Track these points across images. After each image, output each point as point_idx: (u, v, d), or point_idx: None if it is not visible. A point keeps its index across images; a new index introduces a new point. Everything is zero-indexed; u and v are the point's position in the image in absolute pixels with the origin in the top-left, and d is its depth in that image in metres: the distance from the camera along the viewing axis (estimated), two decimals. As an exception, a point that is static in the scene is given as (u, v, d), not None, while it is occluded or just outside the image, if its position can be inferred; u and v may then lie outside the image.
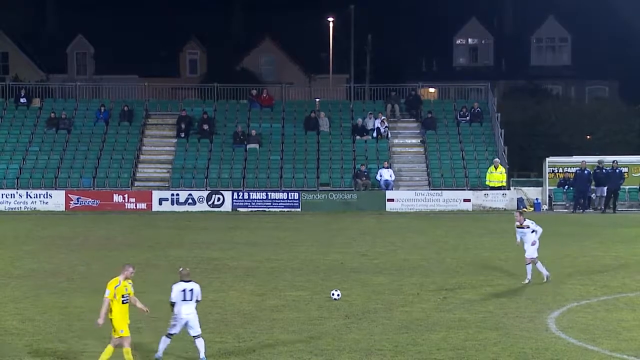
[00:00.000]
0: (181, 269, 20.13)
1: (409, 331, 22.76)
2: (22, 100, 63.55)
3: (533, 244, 29.48)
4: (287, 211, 54.54)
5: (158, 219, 50.69)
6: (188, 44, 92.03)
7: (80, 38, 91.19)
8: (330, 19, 78.58)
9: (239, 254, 36.32)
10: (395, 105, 63.23)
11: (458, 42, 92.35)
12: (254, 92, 64.83)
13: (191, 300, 19.72)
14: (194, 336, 19.84)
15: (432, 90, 75.77)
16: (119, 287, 19.19)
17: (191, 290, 19.72)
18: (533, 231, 29.44)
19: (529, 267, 29.51)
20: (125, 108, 62.13)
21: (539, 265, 29.61)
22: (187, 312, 19.70)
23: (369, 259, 35.01)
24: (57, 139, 60.46)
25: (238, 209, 54.95)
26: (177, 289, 19.74)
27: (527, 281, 29.34)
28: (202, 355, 19.76)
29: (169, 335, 19.93)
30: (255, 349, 20.96)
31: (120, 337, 19.18)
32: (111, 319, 19.21)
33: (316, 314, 24.77)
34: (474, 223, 48.39)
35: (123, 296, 19.18)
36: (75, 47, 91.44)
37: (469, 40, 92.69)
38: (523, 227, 29.65)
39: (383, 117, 61.27)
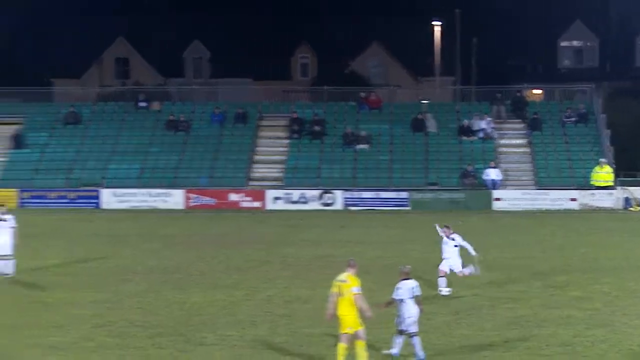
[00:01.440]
0: (407, 267, 20.14)
1: (518, 327, 22.91)
2: (141, 103, 65.59)
3: (468, 268, 27.71)
4: (397, 210, 55.24)
5: (271, 217, 51.70)
6: (299, 49, 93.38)
7: (196, 43, 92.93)
8: (437, 23, 79.41)
9: (350, 252, 35.55)
10: (501, 106, 63.94)
11: (563, 44, 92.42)
12: (363, 94, 66.18)
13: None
14: (412, 333, 19.73)
15: (537, 91, 76.24)
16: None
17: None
18: (456, 246, 27.78)
19: (443, 280, 27.53)
20: (240, 111, 64.05)
21: (443, 280, 27.51)
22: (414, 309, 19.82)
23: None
24: (176, 140, 62.44)
25: (349, 208, 56.20)
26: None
27: (446, 291, 27.37)
28: (421, 353, 19.69)
29: (412, 335, 19.66)
30: (367, 343, 20.13)
31: (356, 331, 18.87)
32: (345, 315, 18.74)
33: (426, 309, 24.09)
34: (581, 222, 48.58)
35: None
36: (192, 52, 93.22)
37: (574, 42, 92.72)
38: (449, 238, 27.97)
39: (489, 118, 62.26)
